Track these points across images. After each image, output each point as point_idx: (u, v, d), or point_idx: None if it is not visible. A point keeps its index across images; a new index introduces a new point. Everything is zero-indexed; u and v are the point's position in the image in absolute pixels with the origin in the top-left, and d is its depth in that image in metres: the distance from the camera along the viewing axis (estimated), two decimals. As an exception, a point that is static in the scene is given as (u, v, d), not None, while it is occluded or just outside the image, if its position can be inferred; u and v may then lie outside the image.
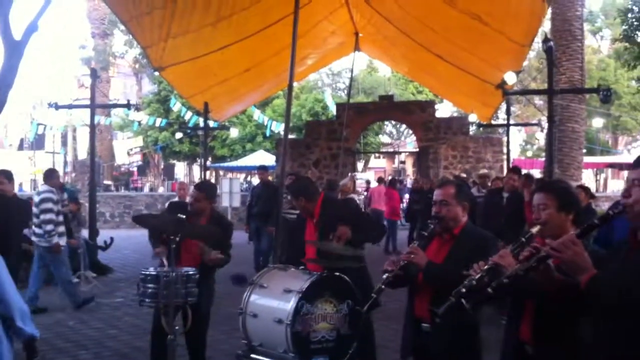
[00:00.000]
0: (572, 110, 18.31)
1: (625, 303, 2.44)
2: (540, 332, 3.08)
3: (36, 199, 9.25)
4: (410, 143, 39.45)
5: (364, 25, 15.45)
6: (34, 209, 9.12)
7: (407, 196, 18.27)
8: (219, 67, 13.95)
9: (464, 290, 2.91)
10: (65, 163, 40.43)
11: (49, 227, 8.99)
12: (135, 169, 45.58)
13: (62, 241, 9.32)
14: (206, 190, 5.71)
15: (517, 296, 3.18)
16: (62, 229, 9.37)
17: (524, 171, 9.79)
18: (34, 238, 9.35)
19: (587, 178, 29.06)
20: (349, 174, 13.56)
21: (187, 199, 9.52)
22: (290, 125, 20.70)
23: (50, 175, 9.65)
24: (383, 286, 3.74)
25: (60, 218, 9.37)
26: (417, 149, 23.83)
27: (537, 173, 33.75)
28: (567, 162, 18.33)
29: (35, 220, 9.10)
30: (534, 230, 2.98)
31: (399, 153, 46.95)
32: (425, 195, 15.28)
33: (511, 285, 2.75)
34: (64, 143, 43.19)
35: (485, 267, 2.94)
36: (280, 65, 13.64)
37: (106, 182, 34.12)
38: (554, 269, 2.78)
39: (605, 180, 43.61)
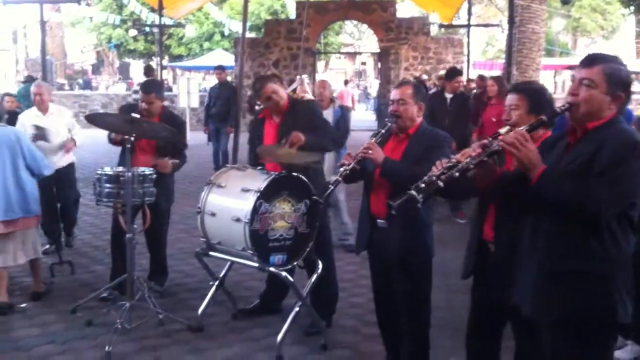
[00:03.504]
0: (533, 11, 18.16)
1: (561, 199, 2.52)
2: (500, 231, 3.18)
3: None
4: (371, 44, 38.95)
5: None
6: None
7: None
8: (174, -40, 13.42)
9: (422, 185, 2.83)
10: (17, 61, 39.03)
11: None
12: (89, 67, 44.30)
13: None
14: (155, 89, 5.60)
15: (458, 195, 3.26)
16: None
17: (484, 72, 9.78)
18: None
19: (546, 80, 29.24)
20: (298, 77, 12.06)
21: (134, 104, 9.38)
22: (249, 24, 20.20)
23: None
24: (340, 178, 3.79)
25: None
26: (378, 50, 23.56)
27: (498, 74, 33.80)
28: (526, 63, 18.33)
29: None
30: (503, 130, 2.93)
31: (360, 54, 46.38)
32: None
33: (460, 179, 2.78)
34: (15, 40, 41.54)
35: (447, 164, 2.88)
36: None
37: (60, 80, 33.16)
38: (494, 164, 2.88)
39: (564, 82, 43.99)
